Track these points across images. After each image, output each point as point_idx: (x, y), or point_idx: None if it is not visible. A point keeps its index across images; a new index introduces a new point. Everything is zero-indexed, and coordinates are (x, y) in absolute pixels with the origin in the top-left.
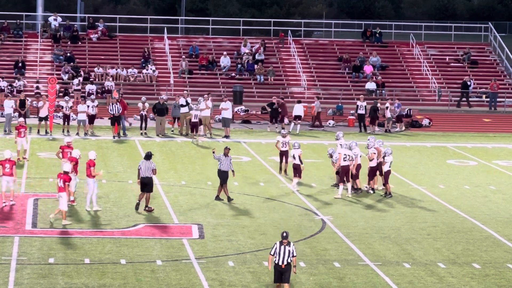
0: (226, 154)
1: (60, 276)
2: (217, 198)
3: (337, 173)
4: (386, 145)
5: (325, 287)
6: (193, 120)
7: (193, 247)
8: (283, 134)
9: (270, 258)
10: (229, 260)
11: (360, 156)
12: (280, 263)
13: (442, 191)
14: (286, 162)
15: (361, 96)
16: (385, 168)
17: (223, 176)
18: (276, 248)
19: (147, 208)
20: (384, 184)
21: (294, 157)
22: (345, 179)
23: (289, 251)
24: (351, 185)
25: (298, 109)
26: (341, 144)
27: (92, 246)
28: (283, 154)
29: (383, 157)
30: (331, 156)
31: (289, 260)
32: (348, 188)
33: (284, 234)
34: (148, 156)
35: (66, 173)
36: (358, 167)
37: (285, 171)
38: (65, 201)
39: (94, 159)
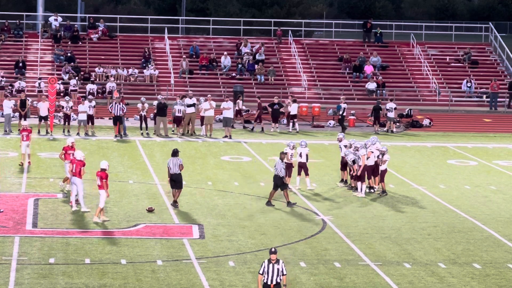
0: (281, 159)
1: (61, 276)
2: (269, 203)
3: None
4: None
5: (326, 287)
6: (176, 114)
7: (193, 247)
8: (292, 146)
9: (259, 278)
10: (229, 260)
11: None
12: (269, 283)
13: (443, 191)
14: (290, 176)
15: (342, 97)
16: (382, 167)
17: (278, 181)
18: (264, 267)
19: (175, 204)
20: (380, 182)
21: (301, 155)
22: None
23: (278, 269)
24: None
25: (294, 109)
26: (345, 145)
27: (92, 246)
28: (288, 167)
29: (382, 156)
30: (340, 140)
31: (278, 280)
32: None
33: (273, 249)
34: (175, 153)
35: (103, 170)
36: (365, 168)
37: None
38: (103, 199)
39: (81, 159)
